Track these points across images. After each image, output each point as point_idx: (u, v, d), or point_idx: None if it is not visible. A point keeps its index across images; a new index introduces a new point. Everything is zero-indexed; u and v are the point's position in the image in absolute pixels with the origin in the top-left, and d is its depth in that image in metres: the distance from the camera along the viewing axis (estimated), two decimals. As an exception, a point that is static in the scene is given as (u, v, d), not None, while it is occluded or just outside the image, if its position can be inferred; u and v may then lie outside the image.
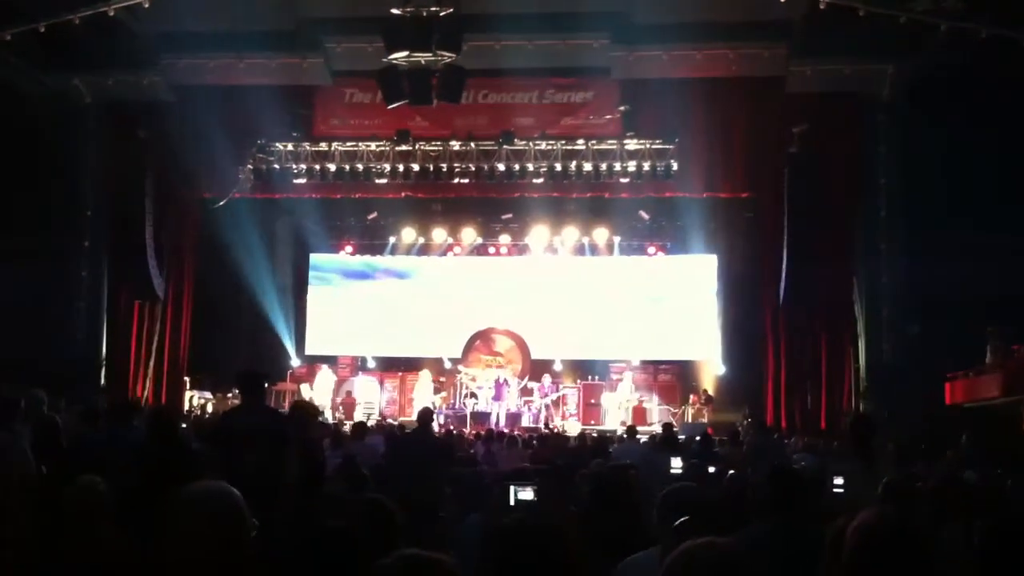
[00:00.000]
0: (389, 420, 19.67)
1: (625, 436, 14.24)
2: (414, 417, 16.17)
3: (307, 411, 9.02)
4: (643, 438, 13.66)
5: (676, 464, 8.57)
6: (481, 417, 21.11)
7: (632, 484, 6.26)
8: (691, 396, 22.10)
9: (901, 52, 16.58)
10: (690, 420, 20.94)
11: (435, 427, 19.58)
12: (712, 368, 22.77)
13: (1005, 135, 16.24)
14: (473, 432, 16.78)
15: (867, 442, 7.06)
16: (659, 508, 4.49)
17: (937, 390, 16.50)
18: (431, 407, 13.63)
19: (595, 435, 16.36)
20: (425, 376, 22.57)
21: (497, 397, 21.61)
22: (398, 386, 23.61)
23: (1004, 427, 14.69)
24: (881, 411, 16.12)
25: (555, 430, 19.07)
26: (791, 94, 18.13)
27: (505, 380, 21.96)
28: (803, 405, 19.60)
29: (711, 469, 8.51)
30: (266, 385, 8.62)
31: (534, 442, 14.86)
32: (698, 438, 12.94)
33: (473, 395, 22.20)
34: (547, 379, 22.52)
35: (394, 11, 15.35)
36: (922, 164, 17.33)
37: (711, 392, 22.07)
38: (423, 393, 22.04)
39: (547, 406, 22.03)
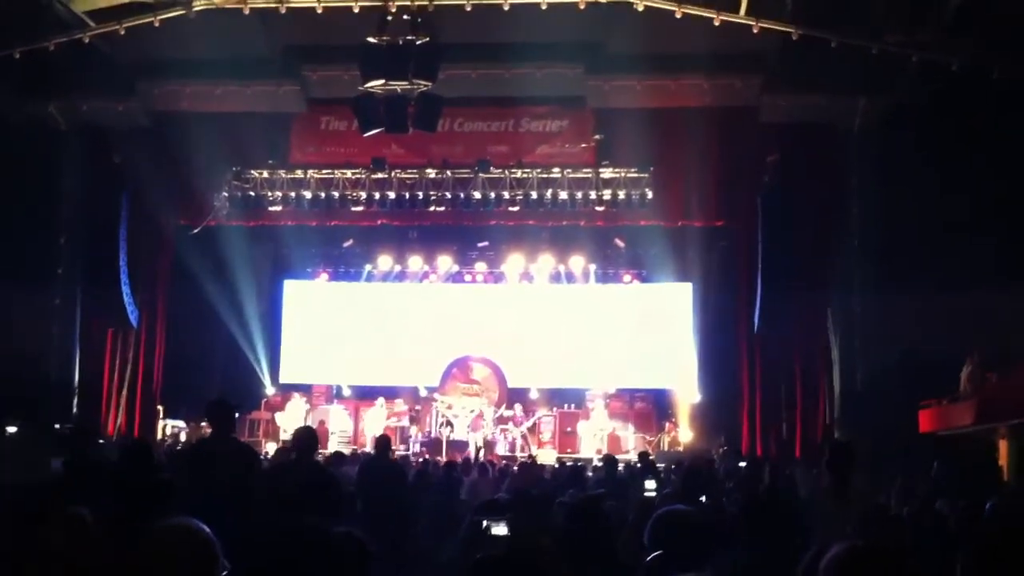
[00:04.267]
0: (365, 450, 19.56)
1: (602, 465, 14.19)
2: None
3: (311, 437, 8.98)
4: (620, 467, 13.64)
5: (650, 486, 8.50)
6: (457, 446, 21.03)
7: (607, 514, 6.26)
8: (666, 424, 22.12)
9: (874, 83, 16.74)
10: (666, 448, 20.94)
11: (409, 456, 19.71)
12: (688, 396, 22.79)
13: (978, 165, 16.40)
14: (445, 461, 16.70)
15: (845, 472, 7.06)
16: (650, 529, 4.49)
17: (911, 418, 16.56)
18: (386, 435, 13.63)
19: (570, 464, 16.32)
20: (379, 404, 22.49)
21: (473, 428, 21.56)
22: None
23: (978, 455, 14.76)
24: (854, 440, 16.17)
25: (530, 459, 19.02)
26: (765, 124, 18.27)
27: (480, 412, 21.89)
28: (778, 433, 19.66)
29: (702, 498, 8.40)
30: (236, 415, 8.55)
31: (513, 470, 14.84)
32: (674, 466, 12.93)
33: (449, 423, 22.11)
34: (518, 408, 22.45)
35: (370, 39, 15.39)
36: (895, 193, 17.47)
37: (685, 422, 22.10)
38: (374, 422, 21.99)
39: (523, 434, 21.97)
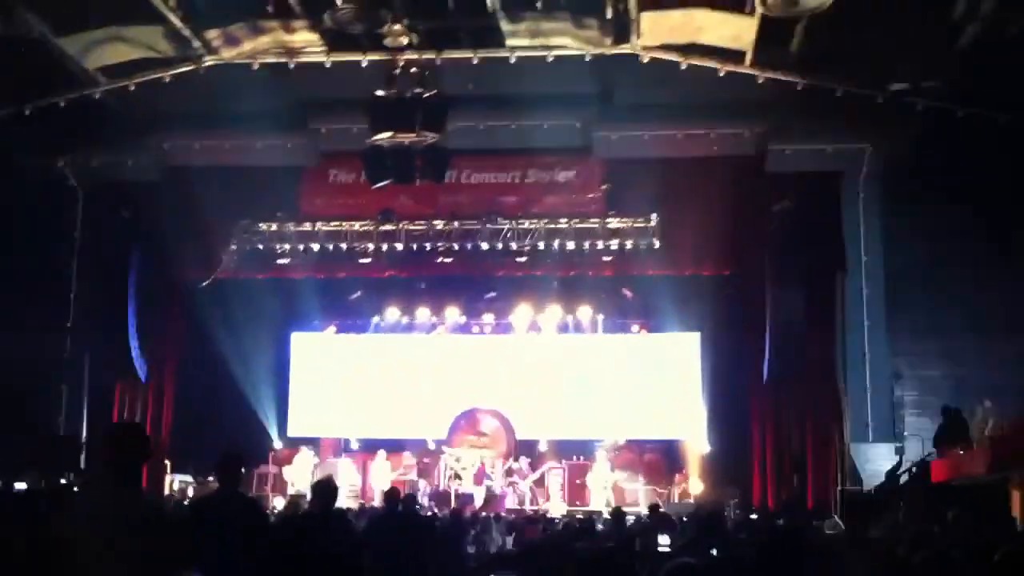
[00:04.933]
0: (373, 504, 19.42)
1: (610, 518, 14.05)
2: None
3: (330, 489, 8.95)
4: (629, 519, 13.52)
5: (664, 542, 8.38)
6: (466, 499, 20.86)
7: (619, 567, 6.18)
8: (676, 476, 21.95)
9: (879, 131, 16.81)
10: (676, 500, 20.76)
11: (417, 509, 19.54)
12: (698, 446, 22.63)
13: (984, 212, 16.41)
14: (450, 512, 16.59)
15: (860, 521, 6.99)
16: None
17: (923, 466, 16.41)
18: (395, 488, 13.55)
19: (579, 516, 16.20)
20: (380, 457, 22.35)
21: (478, 482, 21.39)
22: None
23: (991, 504, 14.60)
24: (867, 489, 16.06)
25: (540, 512, 18.87)
26: (771, 173, 18.33)
27: (482, 465, 21.72)
28: (790, 483, 19.49)
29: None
30: (243, 469, 8.49)
31: (524, 524, 14.70)
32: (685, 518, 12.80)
33: (458, 476, 21.95)
34: (523, 461, 22.28)
35: (378, 92, 15.52)
36: (903, 240, 17.48)
37: (696, 473, 21.95)
38: (380, 475, 21.84)
39: (531, 487, 21.81)
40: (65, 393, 19.50)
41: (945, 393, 16.54)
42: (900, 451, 16.98)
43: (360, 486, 22.69)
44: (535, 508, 20.44)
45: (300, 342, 24.74)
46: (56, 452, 18.26)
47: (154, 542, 4.45)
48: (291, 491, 20.63)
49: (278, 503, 19.28)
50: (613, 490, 21.32)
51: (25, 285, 18.25)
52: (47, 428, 18.86)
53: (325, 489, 8.89)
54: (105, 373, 20.27)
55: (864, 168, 18.11)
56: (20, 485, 16.45)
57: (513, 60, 15.23)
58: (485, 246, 20.51)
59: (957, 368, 16.97)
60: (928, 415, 16.80)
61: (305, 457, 22.26)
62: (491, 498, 20.53)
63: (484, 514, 16.86)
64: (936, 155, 16.21)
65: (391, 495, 11.70)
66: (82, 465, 19.29)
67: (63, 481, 17.51)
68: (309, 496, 9.33)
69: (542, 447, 23.13)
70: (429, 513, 17.58)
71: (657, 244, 19.99)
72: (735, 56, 15.06)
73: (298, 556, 7.84)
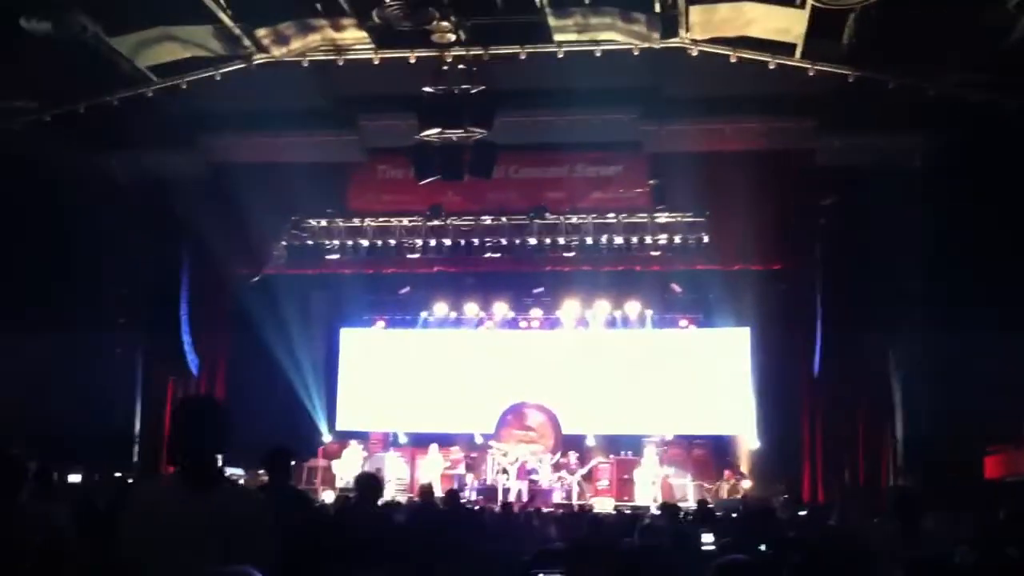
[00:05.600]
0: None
1: (661, 513, 14.02)
2: (440, 493, 16.20)
3: (374, 482, 9.08)
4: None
5: (708, 540, 8.31)
6: (513, 494, 20.91)
7: (663, 563, 6.17)
8: (725, 472, 21.83)
9: (932, 123, 16.56)
10: (725, 496, 20.66)
11: (465, 504, 19.63)
12: (747, 442, 22.50)
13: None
14: (494, 507, 16.65)
15: (913, 519, 6.91)
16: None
17: (977, 464, 16.20)
18: (430, 484, 13.74)
19: (627, 512, 16.17)
20: (433, 451, 22.46)
21: (521, 476, 21.40)
22: (428, 463, 23.47)
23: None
24: (919, 486, 15.87)
25: (587, 507, 18.85)
26: (822, 167, 18.13)
27: (524, 461, 21.73)
28: (840, 479, 19.32)
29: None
30: (293, 463, 8.58)
31: (570, 519, 14.70)
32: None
33: (505, 471, 22.01)
34: (572, 455, 22.30)
35: (427, 89, 15.57)
36: (955, 235, 17.21)
37: (745, 468, 21.83)
38: (429, 470, 21.97)
39: (579, 482, 21.80)
40: (117, 389, 19.72)
41: (1001, 387, 16.26)
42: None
43: (408, 480, 22.83)
44: (582, 503, 20.43)
45: (349, 337, 24.94)
46: (109, 447, 18.52)
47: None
48: (340, 484, 20.80)
49: (327, 496, 19.44)
50: (661, 486, 21.26)
51: (77, 283, 18.48)
52: (100, 424, 19.10)
53: (369, 482, 8.96)
54: (157, 369, 20.53)
55: (917, 161, 17.86)
56: (74, 478, 16.74)
57: (561, 55, 15.17)
58: (533, 241, 20.55)
59: (1015, 361, 16.68)
60: (983, 410, 16.53)
61: (354, 451, 22.45)
62: (537, 493, 20.59)
63: (531, 509, 16.91)
64: (987, 148, 15.97)
65: (426, 490, 11.87)
66: (135, 459, 19.59)
67: (117, 475, 17.80)
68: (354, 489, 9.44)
69: (589, 442, 23.13)
70: (477, 508, 17.61)
71: (706, 238, 19.90)
72: (785, 49, 14.90)
73: (340, 547, 7.90)
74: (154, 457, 19.78)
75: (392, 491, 20.96)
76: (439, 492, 16.78)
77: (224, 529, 4.27)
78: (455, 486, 18.38)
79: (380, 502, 12.60)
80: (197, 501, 4.30)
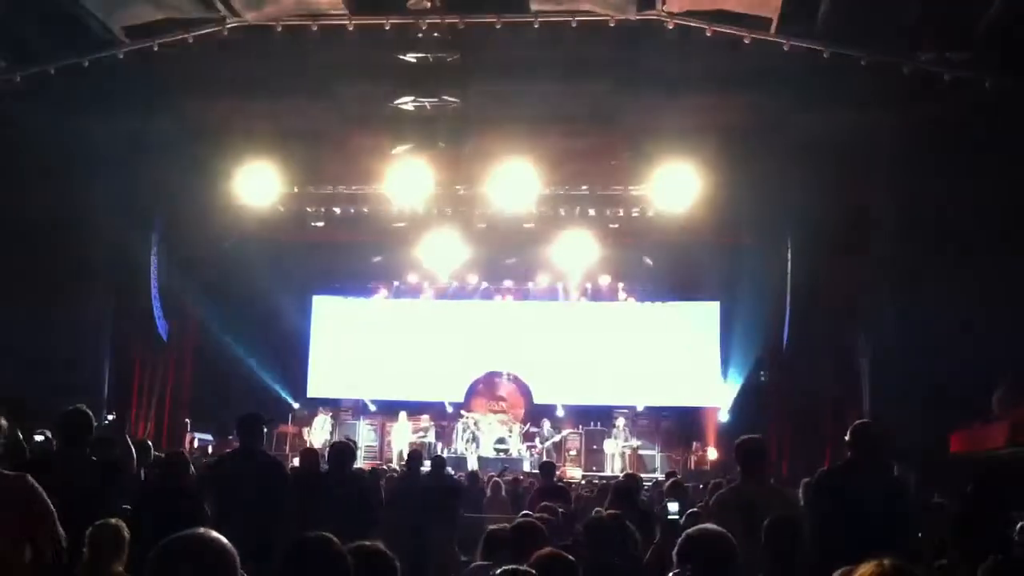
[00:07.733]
0: (387, 465, 19.56)
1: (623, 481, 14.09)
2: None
3: (348, 449, 9.11)
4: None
5: (673, 509, 8.44)
6: (483, 463, 20.99)
7: (628, 532, 6.24)
8: (694, 443, 22.02)
9: (905, 100, 16.61)
10: (692, 468, 20.85)
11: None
12: (715, 415, 22.68)
13: (1012, 184, 16.22)
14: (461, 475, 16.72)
15: (877, 455, 6.93)
16: (679, 548, 4.48)
17: (943, 440, 16.36)
18: (417, 449, 13.78)
19: (596, 482, 16.29)
20: (402, 418, 22.53)
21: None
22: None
23: (1010, 476, 14.54)
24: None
25: (563, 477, 18.92)
26: (794, 142, 18.16)
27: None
28: (807, 452, 19.50)
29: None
30: (265, 429, 8.60)
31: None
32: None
33: (475, 440, 22.10)
34: (546, 424, 22.43)
35: (401, 56, 15.48)
36: (926, 213, 17.31)
37: (712, 441, 22.01)
38: (399, 437, 22.05)
39: (548, 452, 21.92)
40: (87, 352, 19.57)
41: (969, 367, 16.40)
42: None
43: (378, 447, 22.90)
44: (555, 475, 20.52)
45: (321, 304, 24.89)
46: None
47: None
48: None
49: (296, 462, 19.45)
50: (630, 457, 21.42)
51: (48, 246, 18.32)
52: (68, 386, 18.97)
53: (343, 450, 9.00)
54: (127, 333, 20.41)
55: (888, 138, 17.92)
56: (39, 437, 16.63)
57: (537, 25, 15.10)
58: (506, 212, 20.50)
59: (983, 341, 16.82)
60: (950, 390, 16.69)
61: (324, 418, 22.47)
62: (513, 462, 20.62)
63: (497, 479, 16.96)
64: (962, 125, 16.04)
65: (414, 456, 11.93)
66: (104, 421, 19.49)
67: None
68: (326, 457, 9.45)
69: (559, 413, 23.24)
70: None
71: (679, 212, 19.92)
72: (761, 24, 14.91)
73: (314, 511, 7.94)
74: (120, 421, 19.71)
75: (362, 459, 21.01)
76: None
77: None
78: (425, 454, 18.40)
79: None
80: None
